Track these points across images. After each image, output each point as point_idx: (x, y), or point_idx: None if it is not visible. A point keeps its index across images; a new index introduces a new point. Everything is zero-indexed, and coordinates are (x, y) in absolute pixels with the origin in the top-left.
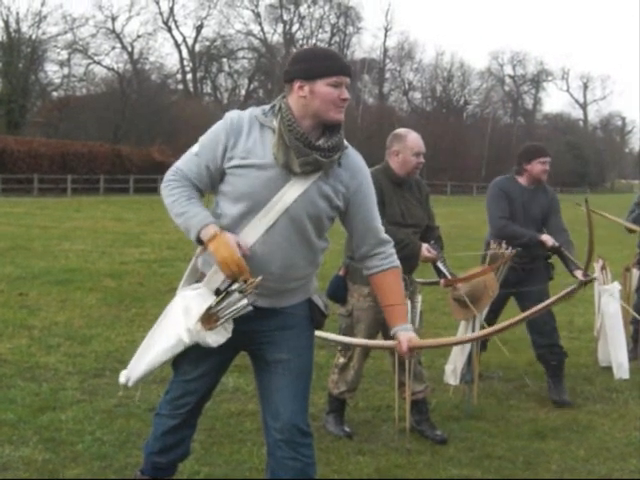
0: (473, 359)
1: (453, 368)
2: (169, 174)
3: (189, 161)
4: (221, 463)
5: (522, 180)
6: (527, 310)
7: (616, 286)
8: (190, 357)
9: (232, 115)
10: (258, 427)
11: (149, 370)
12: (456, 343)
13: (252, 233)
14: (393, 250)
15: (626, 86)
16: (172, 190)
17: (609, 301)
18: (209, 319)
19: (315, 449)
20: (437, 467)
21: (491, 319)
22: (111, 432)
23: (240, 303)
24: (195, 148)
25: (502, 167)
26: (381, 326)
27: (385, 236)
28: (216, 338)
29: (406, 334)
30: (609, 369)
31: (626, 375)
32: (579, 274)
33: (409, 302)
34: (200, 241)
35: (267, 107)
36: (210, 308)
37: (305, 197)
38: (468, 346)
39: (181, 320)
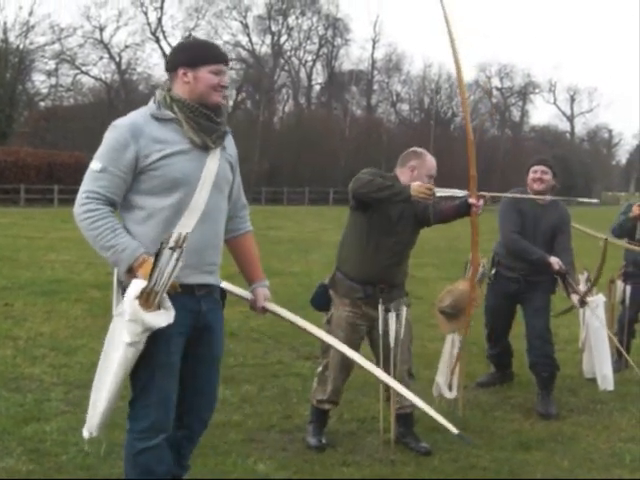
0: (458, 370)
1: (445, 381)
2: (81, 202)
3: (98, 179)
4: (206, 473)
5: (530, 193)
6: (529, 320)
7: (601, 298)
8: (161, 361)
9: (125, 121)
10: (243, 438)
11: (110, 405)
12: (303, 327)
13: (195, 212)
14: (248, 215)
15: (613, 99)
16: (93, 224)
17: (594, 313)
18: (147, 300)
19: (300, 461)
20: (421, 478)
21: (505, 331)
22: (95, 443)
23: (172, 258)
24: (97, 165)
25: (490, 179)
26: (361, 338)
27: (245, 201)
28: (156, 319)
29: (263, 290)
30: (594, 381)
31: (611, 387)
32: (575, 298)
33: (393, 313)
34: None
35: (152, 104)
36: (145, 288)
37: (221, 166)
38: (456, 357)
39: (123, 323)
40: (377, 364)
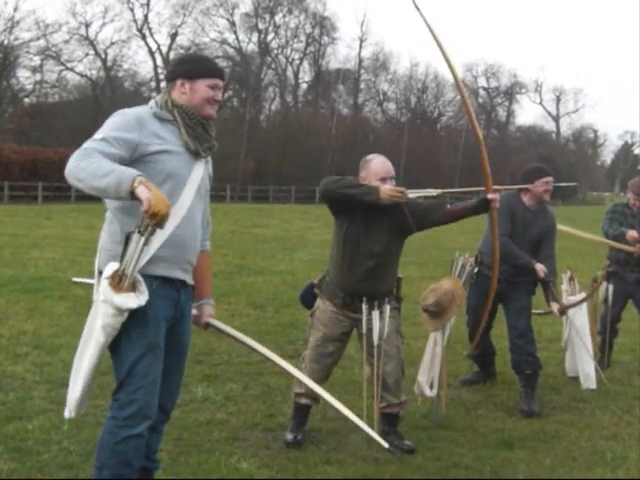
0: (441, 368)
1: (427, 379)
2: (76, 152)
3: (97, 144)
4: (189, 473)
5: (526, 199)
6: (511, 320)
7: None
8: (151, 348)
9: (132, 110)
10: (227, 436)
11: (85, 388)
12: (245, 342)
13: (180, 209)
14: (209, 233)
15: (598, 99)
16: (92, 158)
17: (577, 312)
18: (119, 282)
19: (283, 459)
20: (404, 476)
21: (486, 334)
22: (78, 442)
23: (140, 242)
24: (98, 136)
25: (475, 178)
26: (344, 334)
27: (209, 218)
28: (124, 300)
29: (208, 308)
30: (576, 379)
31: (593, 385)
32: (555, 307)
33: (377, 312)
34: (131, 194)
35: (153, 104)
36: (117, 270)
37: (204, 176)
38: (439, 355)
39: (99, 307)
40: (365, 360)
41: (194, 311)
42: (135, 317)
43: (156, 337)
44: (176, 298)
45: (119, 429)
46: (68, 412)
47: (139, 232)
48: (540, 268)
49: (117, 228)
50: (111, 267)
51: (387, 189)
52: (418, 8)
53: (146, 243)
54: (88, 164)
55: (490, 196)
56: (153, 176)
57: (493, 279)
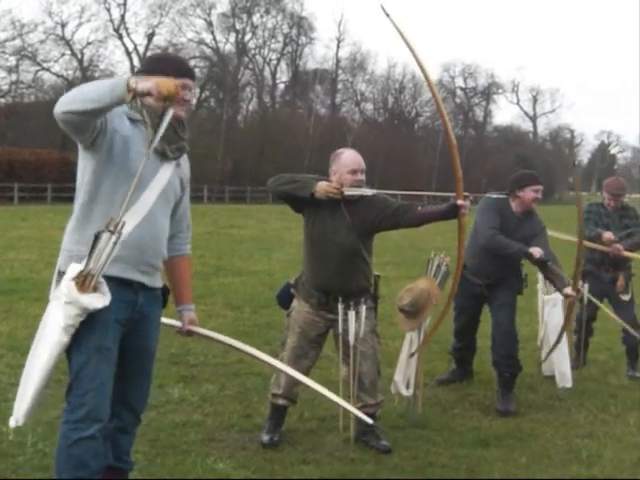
0: (417, 368)
1: (403, 378)
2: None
3: None
4: (165, 474)
5: (514, 205)
6: (495, 316)
7: (559, 296)
8: (97, 351)
9: None
10: (203, 438)
11: (39, 391)
12: (229, 344)
13: (140, 210)
14: (190, 237)
15: (575, 100)
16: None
17: (552, 311)
18: (83, 282)
19: (260, 459)
20: (381, 476)
21: (473, 328)
22: (53, 444)
23: (110, 241)
24: None
25: (452, 178)
26: (319, 335)
27: (190, 222)
28: (91, 301)
29: (189, 314)
30: (552, 378)
31: (569, 384)
32: (568, 290)
33: (353, 312)
34: (133, 96)
35: (124, 105)
36: (82, 271)
37: (172, 179)
38: (415, 355)
39: (59, 307)
40: (342, 361)
41: (166, 320)
42: (84, 320)
43: (103, 340)
44: (133, 300)
45: (71, 432)
46: (14, 421)
47: (109, 231)
48: (535, 250)
49: (75, 228)
50: (75, 268)
51: (323, 184)
52: (388, 15)
53: (116, 241)
54: (79, 88)
55: (460, 202)
56: (114, 175)
57: (455, 282)
